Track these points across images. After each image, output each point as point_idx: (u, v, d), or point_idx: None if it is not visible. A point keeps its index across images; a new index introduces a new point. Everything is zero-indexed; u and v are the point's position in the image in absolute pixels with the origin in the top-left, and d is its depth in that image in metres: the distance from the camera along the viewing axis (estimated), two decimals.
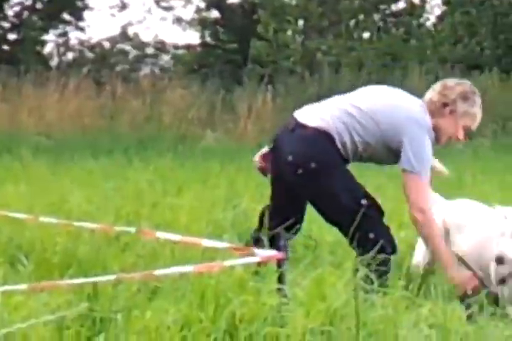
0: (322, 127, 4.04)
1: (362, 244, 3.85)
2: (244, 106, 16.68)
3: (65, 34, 22.88)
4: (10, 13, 22.30)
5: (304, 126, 4.10)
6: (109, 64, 22.49)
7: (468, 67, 19.28)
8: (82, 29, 23.04)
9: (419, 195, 4.11)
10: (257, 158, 4.36)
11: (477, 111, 4.28)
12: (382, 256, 3.73)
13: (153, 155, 11.28)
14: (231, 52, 22.14)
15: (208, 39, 23.71)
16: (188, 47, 23.95)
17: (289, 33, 21.27)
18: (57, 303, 2.94)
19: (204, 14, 24.11)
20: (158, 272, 3.15)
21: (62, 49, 23.08)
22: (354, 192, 4.07)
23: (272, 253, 3.11)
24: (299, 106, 4.40)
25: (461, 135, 4.27)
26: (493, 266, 3.74)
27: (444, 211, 4.19)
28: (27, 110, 14.46)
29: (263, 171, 4.34)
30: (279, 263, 3.12)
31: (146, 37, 24.40)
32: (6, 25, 22.25)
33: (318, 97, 4.96)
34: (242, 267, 3.29)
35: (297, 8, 21.47)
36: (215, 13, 24.08)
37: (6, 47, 22.17)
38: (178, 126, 15.40)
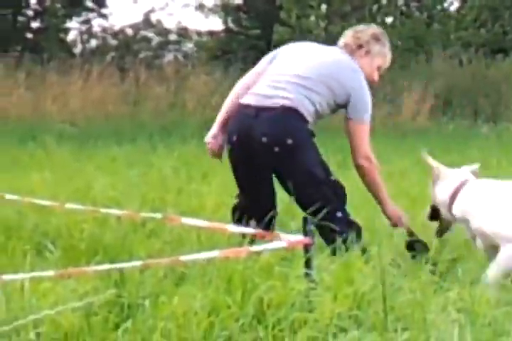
0: (288, 105, 4.16)
1: (330, 221, 3.99)
2: None
3: (88, 21, 22.95)
4: (33, 1, 22.55)
5: (268, 108, 4.19)
6: (132, 51, 22.44)
7: (492, 51, 19.45)
8: (104, 16, 23.04)
9: (364, 142, 4.34)
10: (209, 139, 4.45)
11: (387, 51, 4.55)
12: (353, 232, 3.96)
13: (177, 141, 11.35)
14: (254, 38, 22.67)
15: (231, 25, 23.86)
16: (211, 33, 24.19)
17: (312, 18, 21.80)
18: (85, 290, 3.02)
19: (226, 0, 24.17)
20: (184, 257, 3.21)
21: (85, 36, 23.12)
22: (325, 166, 4.27)
23: (299, 238, 3.12)
24: None
25: (376, 75, 4.54)
26: None
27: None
28: (51, 98, 14.44)
29: (216, 153, 4.46)
30: (306, 248, 3.14)
31: (169, 23, 24.57)
32: (29, 13, 22.51)
33: None
34: (269, 252, 3.35)
35: None
36: None
37: (29, 35, 22.45)
38: (202, 112, 15.48)
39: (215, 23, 24.98)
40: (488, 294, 3.28)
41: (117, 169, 8.21)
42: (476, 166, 4.18)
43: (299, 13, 21.10)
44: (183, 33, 24.31)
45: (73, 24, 22.88)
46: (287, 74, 4.32)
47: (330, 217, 3.99)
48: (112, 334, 2.84)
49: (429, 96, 15.93)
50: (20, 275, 3.02)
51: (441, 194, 4.07)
